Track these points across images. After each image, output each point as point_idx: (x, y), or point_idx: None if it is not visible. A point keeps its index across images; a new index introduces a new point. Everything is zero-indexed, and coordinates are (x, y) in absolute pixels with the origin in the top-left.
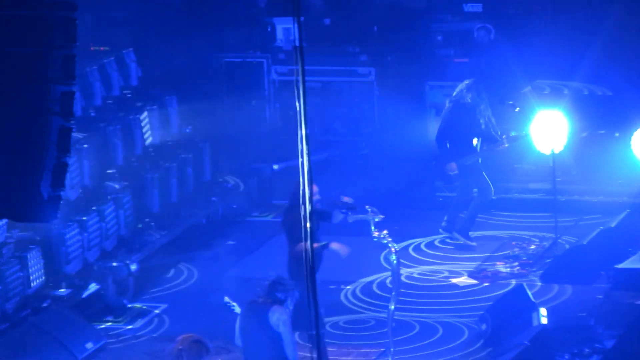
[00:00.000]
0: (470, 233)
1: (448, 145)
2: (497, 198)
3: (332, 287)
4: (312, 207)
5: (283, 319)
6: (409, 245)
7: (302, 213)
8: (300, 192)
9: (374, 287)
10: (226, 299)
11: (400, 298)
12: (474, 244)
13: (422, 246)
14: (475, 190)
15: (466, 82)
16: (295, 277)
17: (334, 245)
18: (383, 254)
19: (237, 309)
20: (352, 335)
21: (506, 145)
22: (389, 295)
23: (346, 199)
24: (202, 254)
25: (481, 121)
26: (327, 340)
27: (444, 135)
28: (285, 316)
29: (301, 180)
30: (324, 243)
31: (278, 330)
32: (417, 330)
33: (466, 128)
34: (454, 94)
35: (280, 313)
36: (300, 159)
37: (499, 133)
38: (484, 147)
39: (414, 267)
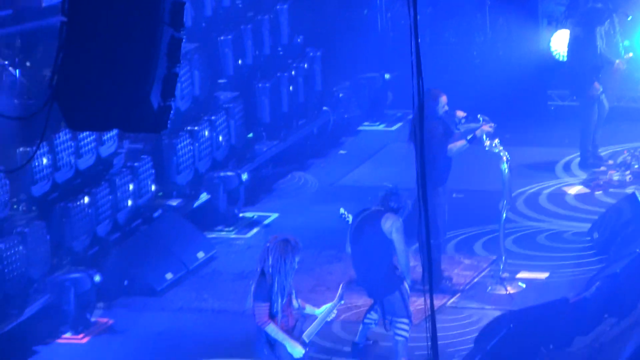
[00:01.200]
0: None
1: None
2: (613, 106)
3: (455, 195)
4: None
5: (397, 226)
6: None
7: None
8: (417, 106)
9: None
10: (341, 210)
11: (513, 208)
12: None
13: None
14: None
15: None
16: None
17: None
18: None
19: (350, 220)
20: (464, 246)
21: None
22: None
23: (460, 113)
24: (313, 163)
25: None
26: (441, 252)
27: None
28: (398, 223)
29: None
30: None
31: (390, 238)
32: (519, 237)
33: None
34: None
35: (394, 220)
36: (413, 70)
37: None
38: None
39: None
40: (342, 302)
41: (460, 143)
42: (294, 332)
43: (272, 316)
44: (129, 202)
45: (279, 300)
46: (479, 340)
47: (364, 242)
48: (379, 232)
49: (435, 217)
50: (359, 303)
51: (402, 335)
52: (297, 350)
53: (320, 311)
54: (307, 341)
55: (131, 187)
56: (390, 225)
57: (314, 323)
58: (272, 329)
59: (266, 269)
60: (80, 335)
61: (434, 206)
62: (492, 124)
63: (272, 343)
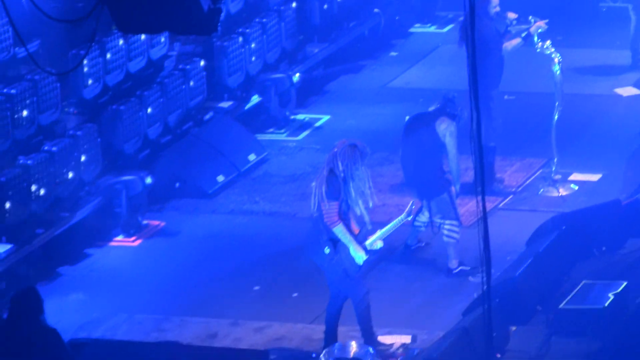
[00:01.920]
0: None
1: None
2: None
3: (506, 97)
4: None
5: (451, 130)
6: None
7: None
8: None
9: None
10: (407, 118)
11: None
12: None
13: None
14: None
15: None
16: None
17: None
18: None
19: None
20: (516, 148)
21: None
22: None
23: (511, 14)
24: (364, 65)
25: None
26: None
27: None
28: (453, 127)
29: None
30: None
31: (443, 141)
32: (571, 138)
33: None
34: None
35: (448, 123)
36: None
37: None
38: None
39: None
40: (410, 217)
41: (515, 41)
42: (358, 237)
43: (340, 217)
44: (180, 105)
45: (360, 203)
46: (531, 243)
47: (416, 142)
48: (432, 133)
49: (489, 120)
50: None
51: (452, 237)
52: (360, 254)
53: (387, 228)
54: (369, 249)
55: (182, 90)
56: (445, 128)
57: (378, 232)
58: (341, 229)
59: (337, 171)
60: (132, 238)
61: (487, 109)
62: (546, 20)
63: (335, 242)
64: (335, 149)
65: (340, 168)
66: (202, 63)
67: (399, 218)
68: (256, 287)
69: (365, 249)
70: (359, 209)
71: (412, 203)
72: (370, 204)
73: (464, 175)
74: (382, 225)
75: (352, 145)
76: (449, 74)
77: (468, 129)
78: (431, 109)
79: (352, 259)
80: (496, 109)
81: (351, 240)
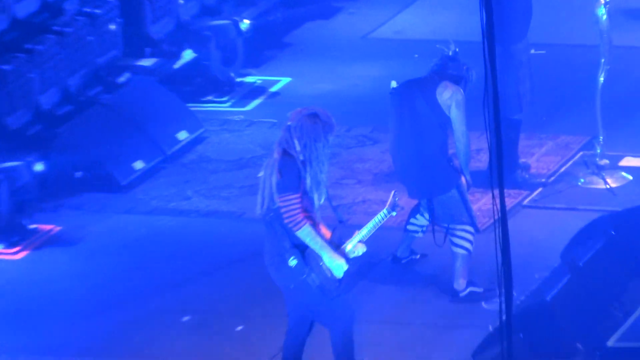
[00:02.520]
0: None
1: None
2: None
3: (534, 51)
4: None
5: (457, 99)
6: None
7: None
8: None
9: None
10: (393, 83)
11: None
12: None
13: None
14: None
15: None
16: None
17: None
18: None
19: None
20: (548, 122)
21: None
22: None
23: None
24: (339, 7)
25: None
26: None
27: None
28: (459, 95)
29: None
30: None
31: (447, 114)
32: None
33: None
34: None
35: (454, 91)
36: None
37: None
38: None
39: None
40: (394, 213)
41: None
42: (332, 241)
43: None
44: (86, 63)
45: (315, 197)
46: (568, 254)
47: (410, 117)
48: (433, 105)
49: (511, 84)
50: (401, 202)
51: (463, 248)
52: (339, 262)
53: (367, 228)
54: (350, 256)
55: (87, 43)
56: (450, 96)
57: (356, 234)
58: (308, 232)
59: (293, 153)
60: (15, 249)
61: (509, 69)
62: None
63: (302, 250)
64: (289, 122)
65: (298, 148)
66: (117, 5)
67: (380, 214)
68: (186, 318)
69: (345, 255)
70: (318, 200)
71: (394, 193)
72: (321, 200)
73: (474, 159)
74: (361, 227)
75: (312, 115)
76: (454, 20)
77: (480, 96)
78: (427, 74)
79: (327, 271)
80: (522, 68)
81: (324, 245)
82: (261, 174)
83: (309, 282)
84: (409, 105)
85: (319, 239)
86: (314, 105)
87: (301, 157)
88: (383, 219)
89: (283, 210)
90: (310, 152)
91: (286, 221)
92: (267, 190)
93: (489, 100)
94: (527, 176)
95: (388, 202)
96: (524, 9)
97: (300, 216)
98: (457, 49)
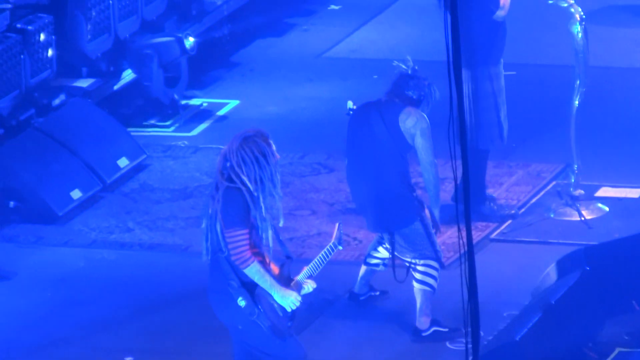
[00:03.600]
0: None
1: None
2: None
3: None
4: None
5: (422, 126)
6: None
7: None
8: None
9: None
10: (350, 104)
11: None
12: None
13: None
14: None
15: None
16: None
17: None
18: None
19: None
20: (518, 149)
21: None
22: None
23: None
24: (291, 23)
25: None
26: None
27: None
28: (424, 123)
29: None
30: None
31: (410, 142)
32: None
33: None
34: None
35: (418, 118)
36: None
37: None
38: None
39: None
40: (341, 247)
41: None
42: (280, 278)
43: (253, 252)
44: (17, 84)
45: (265, 228)
46: (539, 291)
47: (369, 145)
48: (394, 132)
49: (485, 111)
50: (359, 235)
51: (427, 284)
52: (291, 298)
53: (315, 263)
54: (302, 291)
55: (15, 63)
56: (414, 124)
57: (305, 269)
58: (257, 271)
59: (237, 182)
60: None
61: (483, 94)
62: None
63: (251, 289)
64: (226, 147)
65: (243, 176)
66: (50, 20)
67: (327, 248)
68: (128, 358)
69: (298, 288)
70: (268, 235)
71: (339, 225)
72: (280, 223)
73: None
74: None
75: (251, 137)
76: (415, 38)
77: (443, 121)
78: (385, 97)
79: (279, 310)
80: (499, 94)
81: (273, 283)
82: (215, 205)
83: (259, 322)
84: (368, 131)
85: (268, 277)
86: (260, 126)
87: (247, 187)
88: (330, 254)
89: (230, 246)
90: (257, 179)
91: (233, 258)
92: (214, 224)
93: (454, 126)
94: (495, 207)
95: (334, 236)
96: (499, 30)
97: (248, 253)
98: (416, 67)
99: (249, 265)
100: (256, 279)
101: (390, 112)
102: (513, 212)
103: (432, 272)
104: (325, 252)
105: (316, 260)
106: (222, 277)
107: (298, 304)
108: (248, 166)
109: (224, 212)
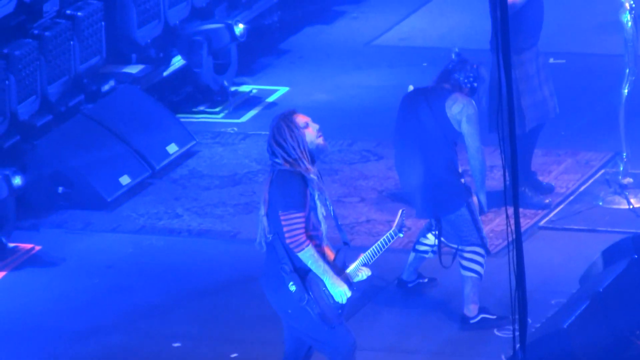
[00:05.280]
0: None
1: None
2: None
3: (552, 60)
4: None
5: (469, 113)
6: None
7: None
8: None
9: None
10: (411, 87)
11: None
12: None
13: None
14: None
15: None
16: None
17: None
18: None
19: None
20: (567, 138)
21: None
22: None
23: None
24: (341, 12)
25: None
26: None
27: None
28: (471, 109)
29: None
30: None
31: (458, 129)
32: None
33: None
34: None
35: (465, 104)
36: None
37: None
38: None
39: None
40: (402, 235)
41: None
42: (335, 264)
43: (309, 236)
44: (67, 70)
45: (319, 211)
46: (587, 279)
47: (417, 132)
48: (441, 119)
49: (525, 95)
50: (408, 222)
51: (473, 271)
52: (341, 289)
53: (373, 249)
54: (353, 280)
55: (67, 48)
56: (460, 110)
57: (361, 256)
58: (310, 255)
59: (290, 161)
60: None
61: (522, 78)
62: None
63: (303, 275)
64: (275, 127)
65: (299, 153)
66: (100, 7)
67: (387, 234)
68: (176, 344)
69: (348, 281)
70: (327, 213)
71: (402, 212)
72: (326, 212)
73: (488, 178)
74: (365, 249)
75: (290, 114)
76: (465, 25)
77: (486, 107)
78: (433, 83)
79: (329, 297)
80: (533, 77)
81: (327, 269)
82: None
83: (309, 309)
84: (415, 118)
85: (321, 263)
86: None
87: (307, 164)
88: (390, 241)
89: (285, 229)
90: (301, 151)
91: (288, 241)
92: (267, 207)
93: (503, 113)
94: (530, 194)
95: (395, 223)
96: (534, 15)
97: (304, 237)
98: (458, 50)
99: (303, 249)
100: (309, 263)
101: (437, 99)
102: (547, 201)
103: (479, 259)
104: (384, 239)
105: (374, 248)
106: (276, 261)
107: (349, 295)
108: (303, 145)
109: (281, 195)
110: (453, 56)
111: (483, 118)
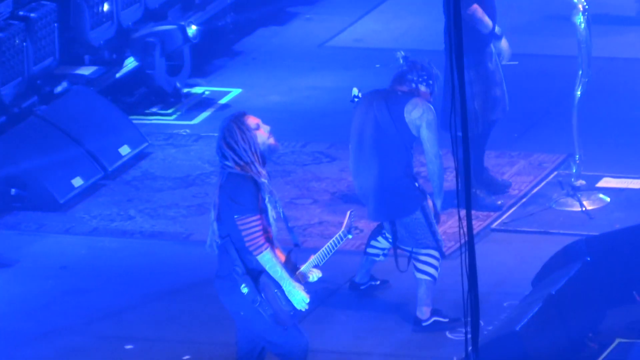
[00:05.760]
0: None
1: None
2: None
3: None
4: None
5: (428, 118)
6: None
7: None
8: None
9: None
10: (355, 91)
11: None
12: None
13: None
14: None
15: None
16: None
17: None
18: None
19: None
20: (519, 139)
21: None
22: None
23: None
24: (294, 12)
25: None
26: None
27: None
28: (431, 115)
29: None
30: None
31: (415, 134)
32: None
33: None
34: None
35: (424, 109)
36: None
37: None
38: None
39: None
40: (351, 236)
41: None
42: (287, 267)
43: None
44: (20, 71)
45: (270, 213)
46: (539, 281)
47: (373, 134)
48: (399, 123)
49: (482, 95)
50: (361, 225)
51: (427, 274)
52: (302, 296)
53: (323, 251)
54: (307, 279)
55: (20, 49)
56: (420, 115)
57: (311, 257)
58: (269, 259)
59: (240, 164)
60: None
61: (478, 80)
62: None
63: (255, 276)
64: (225, 129)
65: (250, 156)
66: (54, 8)
67: (337, 236)
68: (129, 346)
69: (304, 281)
70: (273, 222)
71: (350, 214)
72: (276, 214)
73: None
74: (318, 250)
75: (241, 116)
76: (419, 27)
77: (439, 107)
78: (390, 86)
79: (282, 299)
80: (492, 76)
81: (284, 275)
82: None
83: (261, 310)
84: (372, 120)
85: (279, 267)
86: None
87: (258, 168)
88: (339, 242)
89: (243, 234)
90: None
91: (247, 244)
92: (218, 209)
93: (455, 116)
94: (481, 196)
95: (344, 224)
96: (488, 15)
97: (262, 239)
98: (404, 54)
99: (262, 252)
100: (267, 267)
101: (396, 102)
102: (500, 202)
103: (433, 262)
104: (334, 241)
105: (324, 249)
106: (228, 263)
107: (308, 301)
108: (254, 145)
109: (234, 200)
110: (401, 61)
111: (439, 116)
